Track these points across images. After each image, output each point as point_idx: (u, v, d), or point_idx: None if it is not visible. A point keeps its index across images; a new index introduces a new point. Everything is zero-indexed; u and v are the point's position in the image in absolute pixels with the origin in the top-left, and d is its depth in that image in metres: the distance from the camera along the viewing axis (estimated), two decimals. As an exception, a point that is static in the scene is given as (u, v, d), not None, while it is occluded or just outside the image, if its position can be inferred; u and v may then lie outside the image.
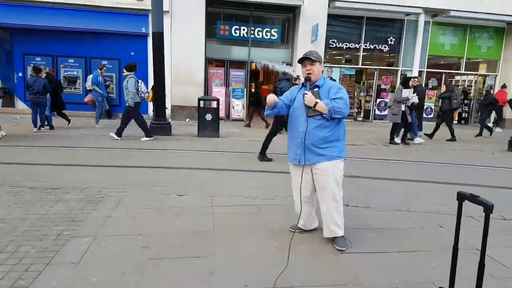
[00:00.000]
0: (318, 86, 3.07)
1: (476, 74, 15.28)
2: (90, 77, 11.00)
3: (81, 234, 3.22)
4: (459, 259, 1.64)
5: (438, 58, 14.80)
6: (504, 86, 13.04)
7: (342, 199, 3.16)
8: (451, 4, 13.15)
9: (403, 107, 8.96)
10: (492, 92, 12.84)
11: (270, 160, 6.72)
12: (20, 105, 12.67)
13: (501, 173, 6.75)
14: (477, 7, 13.23)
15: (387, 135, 9.58)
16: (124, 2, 11.84)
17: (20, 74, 12.43)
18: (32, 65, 10.46)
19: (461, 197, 1.67)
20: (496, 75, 14.84)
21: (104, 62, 12.53)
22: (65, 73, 12.51)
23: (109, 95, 12.47)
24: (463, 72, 15.03)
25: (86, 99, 11.84)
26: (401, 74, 14.32)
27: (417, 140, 9.65)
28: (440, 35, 14.33)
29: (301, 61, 3.09)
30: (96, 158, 6.55)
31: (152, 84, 10.09)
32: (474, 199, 1.59)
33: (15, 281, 2.45)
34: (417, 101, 9.24)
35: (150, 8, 9.79)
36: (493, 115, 13.51)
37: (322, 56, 12.90)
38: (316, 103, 2.93)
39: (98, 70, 10.97)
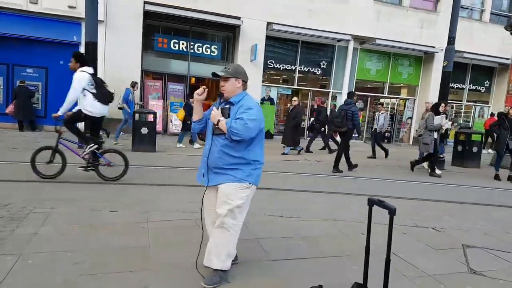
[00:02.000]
0: (231, 103, 2.80)
1: (398, 98, 16.87)
2: (121, 94, 10.41)
3: (5, 252, 3.00)
4: (378, 260, 1.88)
5: (365, 82, 16.15)
6: (492, 114, 14.63)
7: (237, 230, 2.81)
8: (377, 33, 14.58)
9: (435, 135, 8.41)
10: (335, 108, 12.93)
11: (341, 171, 8.01)
12: None
13: (418, 186, 7.57)
14: (400, 37, 14.85)
15: (320, 151, 10.17)
16: (55, 8, 11.26)
17: None
18: None
19: (371, 202, 1.95)
20: (415, 99, 16.56)
21: (30, 70, 11.72)
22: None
23: (34, 105, 11.61)
24: (386, 95, 16.48)
25: (7, 110, 10.92)
26: (331, 96, 15.37)
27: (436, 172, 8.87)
28: (367, 61, 15.69)
29: (213, 77, 2.91)
30: (20, 173, 6.05)
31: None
32: (380, 204, 1.86)
33: None
34: (451, 127, 9.43)
35: (83, 16, 9.42)
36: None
37: (260, 74, 13.49)
38: (219, 121, 2.70)
39: (130, 87, 10.56)
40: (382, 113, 11.43)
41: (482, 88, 17.63)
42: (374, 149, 11.08)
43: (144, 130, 8.98)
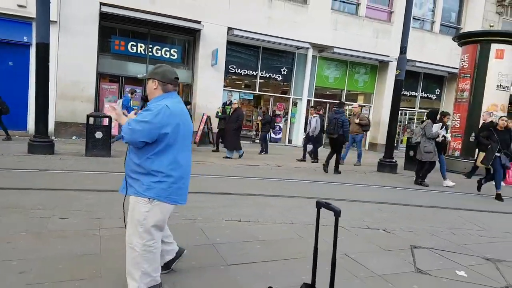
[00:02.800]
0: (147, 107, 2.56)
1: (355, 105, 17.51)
2: (120, 101, 10.90)
3: None
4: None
5: (324, 89, 16.63)
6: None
7: (147, 250, 2.47)
8: (334, 42, 15.05)
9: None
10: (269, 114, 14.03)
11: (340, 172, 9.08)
12: None
13: (369, 189, 7.90)
14: (357, 46, 15.40)
15: (285, 156, 10.32)
16: (2, 7, 10.62)
17: None
18: None
19: (318, 205, 2.05)
20: (371, 106, 17.27)
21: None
22: None
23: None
24: (344, 102, 17.00)
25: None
26: (292, 102, 15.68)
27: (447, 183, 8.88)
28: (325, 69, 16.16)
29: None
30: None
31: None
32: (327, 206, 1.95)
33: None
34: (450, 138, 9.17)
35: (34, 16, 8.98)
36: None
37: (222, 78, 13.48)
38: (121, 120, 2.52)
39: (129, 94, 10.83)
40: (314, 116, 11.08)
41: (433, 96, 18.63)
42: (304, 152, 11.34)
43: (99, 135, 8.67)
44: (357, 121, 11.17)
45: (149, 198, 2.44)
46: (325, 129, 10.82)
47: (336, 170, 9.29)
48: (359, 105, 12.11)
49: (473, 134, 9.25)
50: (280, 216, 5.00)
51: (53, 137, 9.39)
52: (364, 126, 11.34)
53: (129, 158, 2.52)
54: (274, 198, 6.09)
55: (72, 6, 11.28)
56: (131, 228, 2.49)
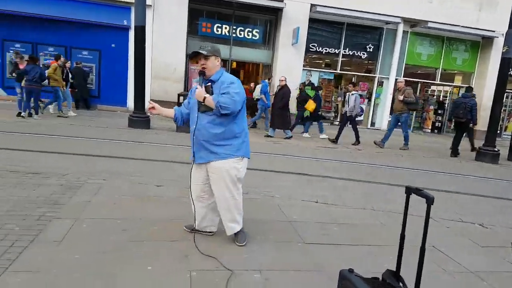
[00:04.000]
0: (212, 81, 2.94)
1: (451, 85, 15.93)
2: (259, 86, 11.20)
3: (63, 216, 3.35)
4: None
5: (415, 67, 15.40)
6: None
7: (241, 195, 3.07)
8: (429, 15, 13.75)
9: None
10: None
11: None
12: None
13: (465, 180, 7.25)
14: (455, 20, 13.89)
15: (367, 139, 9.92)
16: (107, -8, 11.79)
17: (-2, 60, 12.14)
18: (26, 54, 10.52)
19: (408, 190, 1.97)
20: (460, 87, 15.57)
21: (85, 52, 12.44)
22: (45, 62, 12.32)
23: (88, 86, 12.38)
24: (438, 82, 15.65)
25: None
26: (378, 81, 14.88)
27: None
28: (418, 45, 14.91)
29: (193, 55, 2.98)
30: (77, 147, 6.59)
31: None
32: (418, 192, 1.86)
33: (2, 254, 2.57)
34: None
35: (133, 1, 9.81)
36: None
37: (302, 58, 13.34)
38: (205, 98, 2.82)
39: (267, 80, 11.24)
40: (352, 93, 9.96)
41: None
42: (339, 133, 10.09)
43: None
44: (400, 97, 9.66)
45: (241, 157, 2.97)
46: (451, 113, 10.22)
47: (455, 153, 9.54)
48: (404, 80, 10.28)
49: None
50: (360, 201, 4.89)
51: (148, 114, 10.32)
52: (410, 104, 9.73)
53: (207, 130, 2.87)
54: (353, 182, 5.95)
55: (165, -11, 12.01)
56: (229, 185, 2.96)
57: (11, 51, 10.63)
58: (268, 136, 10.03)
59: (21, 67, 9.55)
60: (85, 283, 2.37)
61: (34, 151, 5.85)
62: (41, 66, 10.27)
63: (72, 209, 3.55)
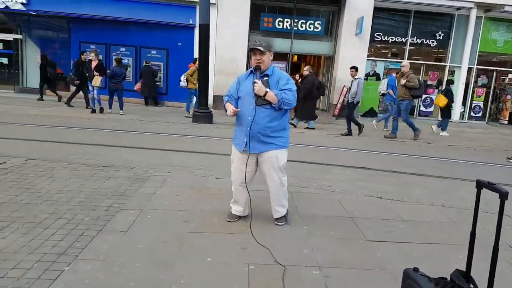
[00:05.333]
0: (267, 75, 3.08)
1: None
2: (385, 80, 10.73)
3: (129, 207, 3.57)
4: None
5: (490, 55, 14.02)
6: None
7: (286, 181, 3.32)
8: (506, -2, 12.38)
9: None
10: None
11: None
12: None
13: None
14: (536, 1, 12.34)
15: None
16: (173, -7, 12.35)
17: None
18: (114, 56, 11.85)
19: (479, 185, 1.77)
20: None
21: (153, 51, 13.17)
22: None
23: (157, 83, 13.10)
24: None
25: (135, 87, 12.57)
26: (449, 70, 13.77)
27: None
28: (493, 31, 13.57)
29: (251, 50, 3.07)
30: (145, 141, 7.02)
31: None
32: (490, 186, 1.67)
33: (72, 243, 2.80)
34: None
35: (197, 0, 10.14)
36: None
37: (366, 48, 12.78)
38: (266, 92, 2.96)
39: (394, 74, 10.66)
40: (355, 78, 9.20)
41: None
42: (349, 124, 9.26)
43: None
44: (402, 82, 8.77)
45: (287, 147, 3.23)
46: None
47: None
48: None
49: None
50: (428, 197, 4.56)
51: (211, 109, 10.66)
52: (412, 90, 8.79)
53: (265, 122, 3.05)
54: (421, 178, 5.57)
55: (228, -13, 12.25)
56: (279, 172, 3.19)
57: (87, 52, 11.60)
58: (308, 128, 9.82)
59: (93, 64, 10.30)
60: (147, 272, 2.49)
61: (106, 145, 6.33)
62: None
63: (138, 200, 3.76)
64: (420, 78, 13.78)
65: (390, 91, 10.15)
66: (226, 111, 3.19)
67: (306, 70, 10.09)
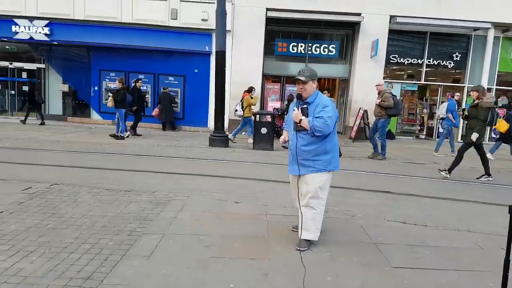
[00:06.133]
0: (308, 103, 3.28)
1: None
2: (445, 104, 10.41)
3: (151, 232, 3.59)
4: None
5: (510, 74, 13.82)
6: None
7: (322, 207, 3.36)
8: (525, 18, 12.32)
9: None
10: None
11: None
12: (95, 115, 14.03)
13: None
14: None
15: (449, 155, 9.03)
16: (190, 22, 12.77)
17: (96, 88, 13.77)
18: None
19: (513, 210, 1.73)
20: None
21: (171, 78, 13.52)
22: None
23: (174, 108, 13.37)
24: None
25: (153, 113, 12.85)
26: (467, 91, 13.61)
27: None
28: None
29: (294, 80, 3.33)
30: (164, 165, 7.11)
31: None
32: (526, 212, 1.63)
33: (97, 268, 2.83)
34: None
35: (214, 28, 10.45)
36: None
37: (381, 70, 12.81)
38: (301, 120, 3.20)
39: (454, 97, 10.54)
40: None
41: None
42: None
43: (264, 130, 9.50)
44: (377, 101, 8.86)
45: (328, 171, 3.31)
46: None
47: None
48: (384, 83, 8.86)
49: None
50: (453, 221, 4.43)
51: (227, 133, 10.77)
52: (387, 109, 8.71)
53: (304, 147, 3.25)
54: (444, 201, 5.44)
55: (243, 15, 12.66)
56: (310, 194, 3.28)
57: (106, 80, 11.97)
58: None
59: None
60: (172, 295, 2.48)
61: (126, 170, 6.43)
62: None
63: (159, 225, 3.79)
64: (439, 100, 13.71)
65: (450, 115, 10.02)
66: None
67: (326, 92, 10.00)
